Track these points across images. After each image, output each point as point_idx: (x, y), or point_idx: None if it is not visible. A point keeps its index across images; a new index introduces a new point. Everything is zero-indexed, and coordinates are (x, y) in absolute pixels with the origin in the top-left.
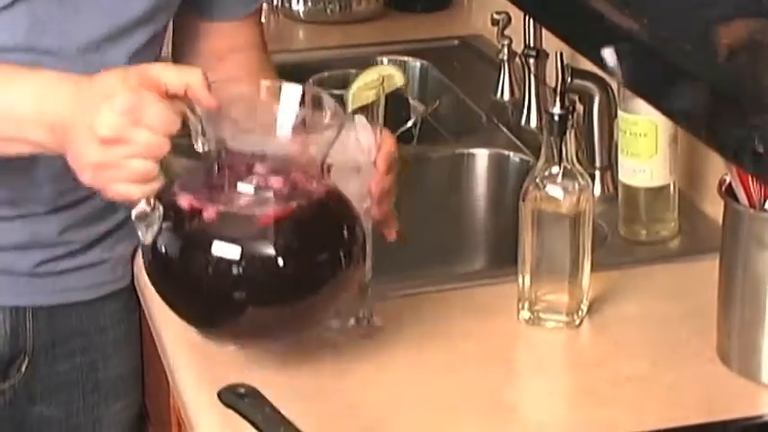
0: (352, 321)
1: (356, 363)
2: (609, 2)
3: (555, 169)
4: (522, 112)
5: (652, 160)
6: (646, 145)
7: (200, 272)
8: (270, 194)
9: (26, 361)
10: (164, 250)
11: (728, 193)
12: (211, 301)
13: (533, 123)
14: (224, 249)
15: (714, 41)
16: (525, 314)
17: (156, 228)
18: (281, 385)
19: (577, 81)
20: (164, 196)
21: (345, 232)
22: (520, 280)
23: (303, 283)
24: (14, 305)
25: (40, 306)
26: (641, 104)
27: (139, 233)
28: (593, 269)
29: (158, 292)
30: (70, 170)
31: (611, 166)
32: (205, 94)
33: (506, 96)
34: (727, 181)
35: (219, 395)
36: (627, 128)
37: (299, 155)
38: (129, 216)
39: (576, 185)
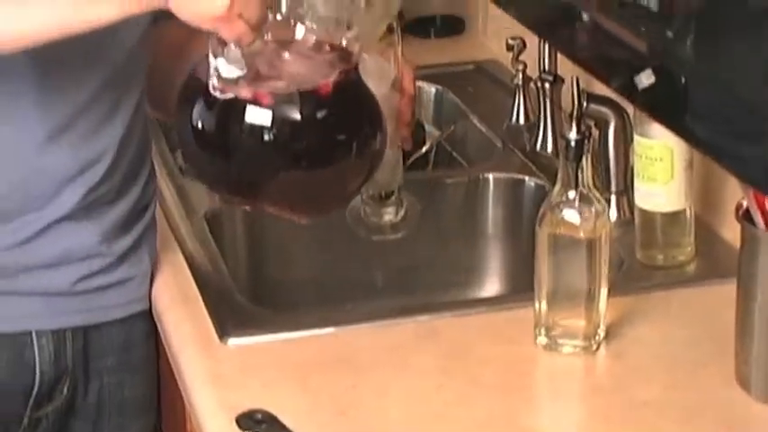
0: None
1: (374, 389)
2: (625, 26)
3: (571, 194)
4: (537, 137)
5: (668, 185)
6: (662, 169)
7: (236, 137)
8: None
9: (68, 382)
10: (202, 125)
11: (746, 217)
12: (246, 165)
13: (549, 148)
14: (256, 115)
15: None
16: (542, 339)
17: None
18: (298, 411)
19: (593, 106)
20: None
21: (368, 116)
22: (536, 305)
23: (326, 152)
24: (56, 328)
25: (78, 326)
26: (657, 129)
27: (223, 71)
28: (609, 294)
29: (196, 165)
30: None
31: (627, 190)
32: None
33: (521, 121)
34: (745, 205)
35: (238, 421)
36: (643, 152)
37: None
38: (150, 225)
39: (593, 210)
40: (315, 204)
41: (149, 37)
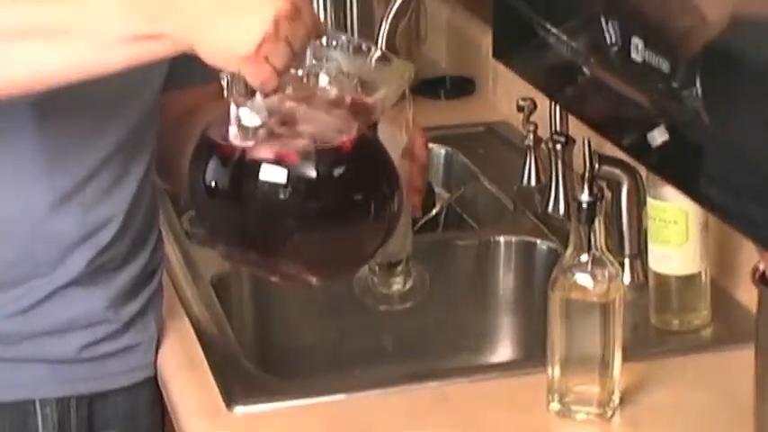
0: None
1: None
2: (635, 86)
3: (584, 257)
4: (549, 199)
5: (683, 247)
6: (676, 232)
7: (250, 195)
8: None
9: None
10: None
11: (762, 280)
12: (261, 224)
13: (561, 210)
14: (271, 173)
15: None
16: (555, 406)
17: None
18: None
19: (605, 168)
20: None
21: (386, 176)
22: (549, 370)
23: (344, 212)
24: (61, 396)
25: (82, 395)
26: (670, 191)
27: (244, 119)
28: (624, 359)
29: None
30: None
31: (640, 253)
32: None
33: (533, 183)
34: (761, 269)
35: None
36: (656, 215)
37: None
38: (157, 290)
39: (606, 273)
40: (328, 266)
41: (158, 103)
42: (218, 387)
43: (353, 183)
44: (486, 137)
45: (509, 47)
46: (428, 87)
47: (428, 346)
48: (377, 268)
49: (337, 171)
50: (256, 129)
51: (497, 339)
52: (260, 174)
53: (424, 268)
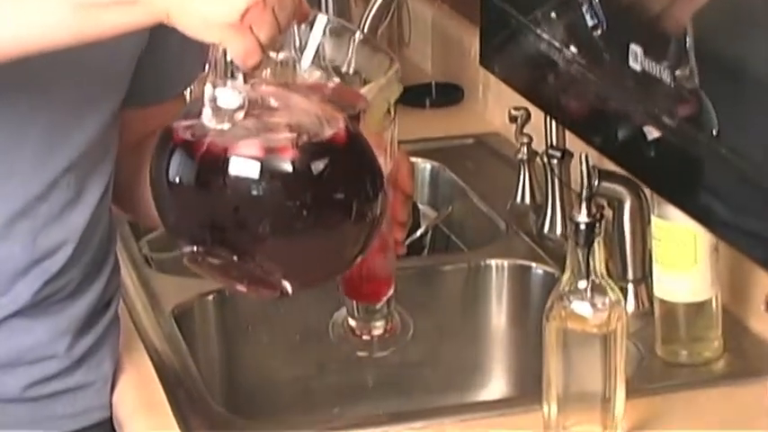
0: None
1: None
2: (636, 99)
3: (582, 283)
4: (544, 219)
5: (691, 272)
6: (684, 255)
7: (219, 191)
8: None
9: None
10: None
11: None
12: (230, 223)
13: (558, 231)
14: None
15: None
16: None
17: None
18: None
19: (605, 184)
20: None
21: (370, 175)
22: (545, 409)
23: (325, 211)
24: None
25: None
26: (677, 209)
27: (222, 100)
28: (628, 395)
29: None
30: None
31: (645, 278)
32: None
33: (527, 201)
34: None
35: None
36: (662, 236)
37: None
38: (113, 323)
39: (607, 301)
40: (304, 271)
41: (117, 122)
42: (181, 429)
43: (336, 180)
44: (475, 150)
45: (498, 53)
46: (412, 95)
47: (413, 382)
48: (356, 311)
49: (319, 167)
50: (234, 111)
51: (488, 374)
52: (231, 167)
53: (407, 311)
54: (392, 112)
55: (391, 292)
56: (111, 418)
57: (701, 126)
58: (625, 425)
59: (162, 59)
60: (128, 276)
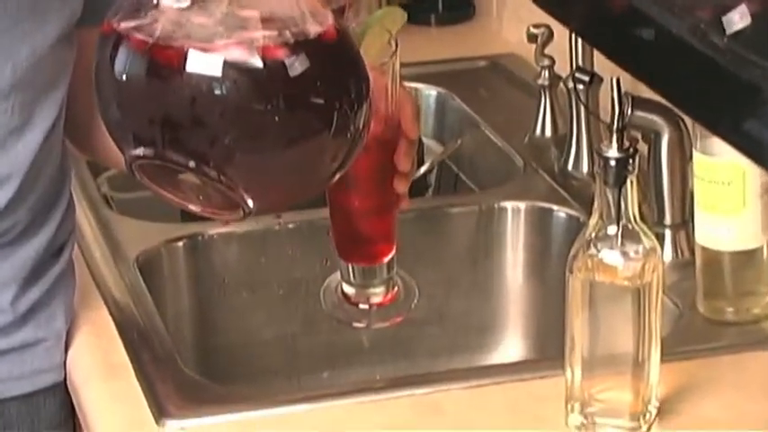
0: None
1: None
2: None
3: (612, 229)
4: (568, 154)
5: (739, 216)
6: (730, 196)
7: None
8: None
9: None
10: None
11: None
12: (183, 119)
13: (584, 168)
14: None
15: None
16: (575, 419)
17: None
18: None
19: (640, 113)
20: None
21: (354, 85)
22: (568, 374)
23: (301, 117)
24: None
25: None
26: (723, 143)
27: None
28: (663, 358)
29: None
30: None
31: (685, 223)
32: None
33: (548, 133)
34: None
35: None
36: (705, 174)
37: None
38: (65, 272)
39: (640, 249)
40: (271, 186)
41: (70, 42)
42: (146, 397)
43: (314, 81)
44: (488, 74)
45: None
46: (415, 10)
47: (415, 343)
48: (351, 275)
49: (299, 68)
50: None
51: (502, 334)
52: (190, 62)
53: (411, 275)
54: (393, 44)
55: (393, 253)
56: (64, 381)
57: (756, 45)
58: (660, 392)
59: None
60: (84, 218)
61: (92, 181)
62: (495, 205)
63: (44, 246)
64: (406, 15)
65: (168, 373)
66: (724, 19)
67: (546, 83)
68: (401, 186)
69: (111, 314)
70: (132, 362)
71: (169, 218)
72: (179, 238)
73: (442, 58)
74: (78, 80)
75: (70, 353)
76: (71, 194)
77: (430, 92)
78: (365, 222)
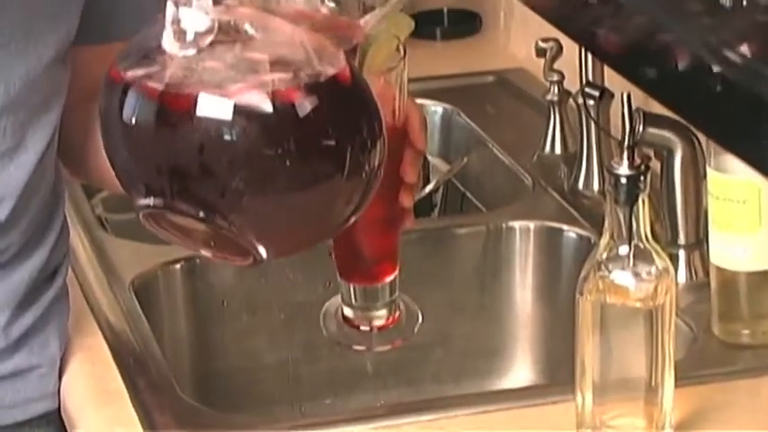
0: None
1: None
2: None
3: (623, 249)
4: (578, 173)
5: (754, 235)
6: (745, 215)
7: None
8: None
9: None
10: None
11: None
12: (193, 168)
13: (594, 186)
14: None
15: None
16: None
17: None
18: None
19: (652, 130)
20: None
21: (367, 124)
22: (579, 399)
23: (313, 162)
24: None
25: None
26: (738, 161)
27: (186, 21)
28: (677, 383)
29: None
30: None
31: (699, 243)
32: None
33: (557, 151)
34: None
35: None
36: (719, 192)
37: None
38: (60, 297)
39: (653, 270)
40: (285, 234)
41: (65, 63)
42: (142, 424)
43: (327, 124)
44: (495, 90)
45: None
46: (420, 24)
47: (420, 369)
48: (353, 297)
49: (308, 108)
50: (200, 36)
51: (511, 358)
52: (200, 106)
53: (416, 298)
54: (402, 51)
55: (395, 274)
56: (59, 409)
57: None
58: (674, 418)
59: None
60: (78, 241)
61: (86, 202)
62: (503, 225)
63: (38, 269)
64: (413, 23)
65: (165, 399)
66: (703, 63)
67: (555, 99)
68: (406, 200)
69: (106, 339)
70: (128, 388)
71: (163, 239)
72: (176, 261)
73: (448, 73)
74: (73, 101)
75: (64, 379)
76: (65, 216)
77: (435, 108)
78: (368, 237)
